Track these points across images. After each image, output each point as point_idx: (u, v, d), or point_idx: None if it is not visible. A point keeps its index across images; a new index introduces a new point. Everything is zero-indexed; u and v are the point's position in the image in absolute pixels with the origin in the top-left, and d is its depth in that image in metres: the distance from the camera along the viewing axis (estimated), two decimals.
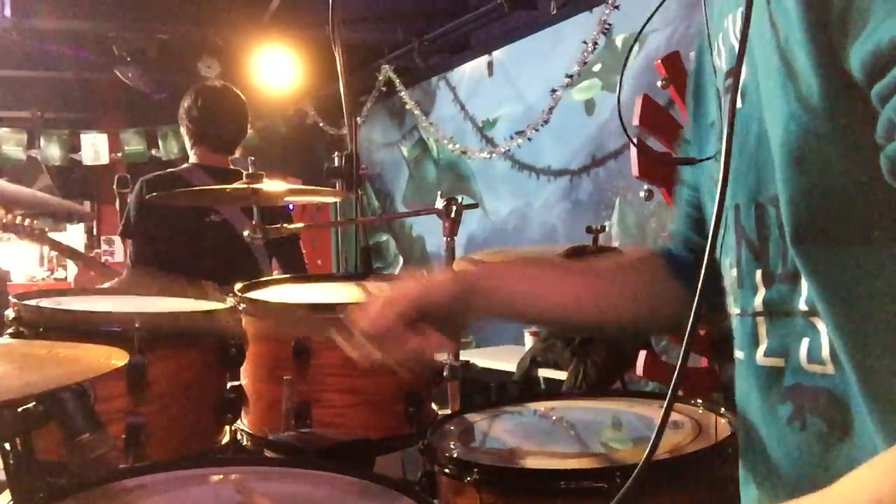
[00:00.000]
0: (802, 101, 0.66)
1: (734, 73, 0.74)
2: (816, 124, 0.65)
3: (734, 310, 0.83)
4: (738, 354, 0.82)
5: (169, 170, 3.02)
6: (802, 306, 0.72)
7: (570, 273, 1.09)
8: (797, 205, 0.68)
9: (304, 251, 3.10)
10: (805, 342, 0.73)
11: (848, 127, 0.63)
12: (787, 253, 0.73)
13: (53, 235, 6.66)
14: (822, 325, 0.70)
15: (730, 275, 0.83)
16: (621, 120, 1.05)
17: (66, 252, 3.70)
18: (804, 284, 0.72)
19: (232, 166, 3.00)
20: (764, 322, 0.77)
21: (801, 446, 0.73)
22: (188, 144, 2.99)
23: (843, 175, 0.65)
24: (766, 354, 0.77)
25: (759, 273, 0.77)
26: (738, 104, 0.76)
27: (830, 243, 0.67)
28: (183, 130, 3.00)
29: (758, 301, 0.78)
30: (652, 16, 0.99)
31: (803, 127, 0.66)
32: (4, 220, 3.42)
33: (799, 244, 0.69)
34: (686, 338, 0.67)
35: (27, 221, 3.48)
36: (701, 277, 0.67)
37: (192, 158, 2.96)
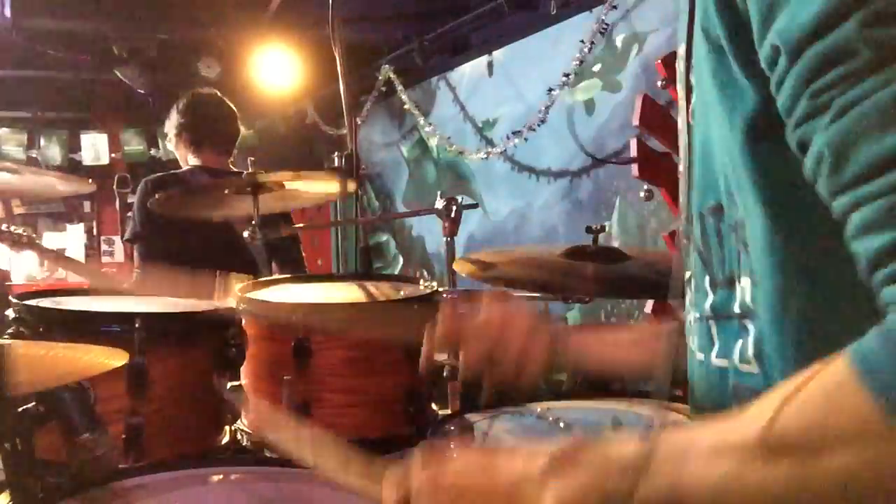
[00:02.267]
0: (741, 100, 0.70)
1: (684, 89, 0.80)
2: (755, 120, 0.69)
3: (694, 313, 0.86)
4: (699, 356, 0.85)
5: (172, 171, 3.03)
6: (736, 309, 0.76)
7: (643, 338, 1.16)
8: (763, 205, 0.71)
9: (304, 254, 3.10)
10: (739, 343, 0.77)
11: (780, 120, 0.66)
12: (724, 260, 0.78)
13: (53, 236, 6.67)
14: (752, 327, 0.74)
15: (690, 280, 0.87)
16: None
17: (56, 259, 3.66)
18: (738, 289, 0.76)
19: (233, 168, 3.01)
20: (714, 325, 0.82)
21: None
22: (186, 153, 3.01)
23: (790, 165, 0.67)
24: (717, 356, 0.81)
25: (707, 279, 0.82)
26: (692, 119, 0.81)
27: (799, 238, 0.70)
28: (179, 142, 3.02)
29: (707, 305, 0.82)
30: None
31: (743, 126, 0.70)
32: None
33: (771, 242, 0.71)
34: None
35: (13, 228, 3.44)
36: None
37: (193, 160, 2.98)
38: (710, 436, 0.60)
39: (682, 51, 0.82)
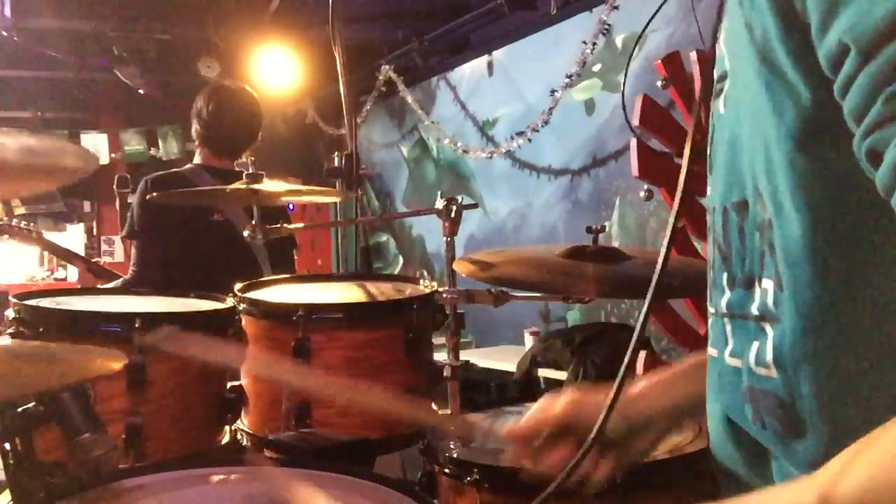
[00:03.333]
0: (791, 98, 0.66)
1: (703, 79, 0.75)
2: (806, 120, 0.66)
3: (710, 308, 0.84)
4: (712, 352, 0.84)
5: (173, 170, 3.01)
6: (754, 311, 0.74)
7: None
8: (805, 204, 0.68)
9: (295, 257, 3.08)
10: (755, 346, 0.74)
11: (836, 122, 0.62)
12: (745, 258, 0.75)
13: (53, 236, 6.69)
14: (770, 330, 0.72)
15: (708, 274, 0.85)
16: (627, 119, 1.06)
17: (62, 254, 3.68)
18: (757, 290, 0.74)
19: (237, 168, 2.98)
20: (728, 323, 0.80)
21: (768, 444, 0.75)
22: (195, 142, 2.98)
23: (841, 170, 0.65)
24: (731, 354, 0.79)
25: (725, 276, 0.80)
26: (721, 110, 0.78)
27: (841, 247, 0.67)
28: (193, 128, 2.97)
29: (723, 302, 0.80)
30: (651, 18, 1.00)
31: (792, 125, 0.67)
32: (0, 222, 3.40)
33: (810, 243, 0.69)
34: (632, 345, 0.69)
35: (23, 223, 3.46)
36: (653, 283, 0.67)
37: (197, 159, 2.96)
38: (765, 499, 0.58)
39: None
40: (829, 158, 0.65)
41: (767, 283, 0.72)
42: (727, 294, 0.79)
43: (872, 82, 0.54)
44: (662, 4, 0.99)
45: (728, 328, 0.80)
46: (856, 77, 0.56)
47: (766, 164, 0.70)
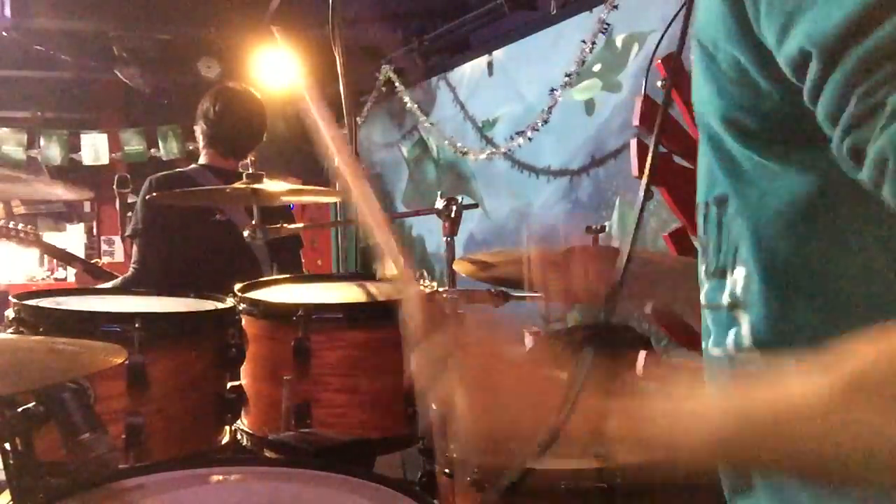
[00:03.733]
0: (722, 92, 0.72)
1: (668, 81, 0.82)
2: (739, 124, 0.71)
3: (702, 301, 0.87)
4: (704, 343, 0.86)
5: (177, 169, 3.02)
6: (725, 299, 0.77)
7: None
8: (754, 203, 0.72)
9: (303, 259, 3.08)
10: (731, 333, 0.77)
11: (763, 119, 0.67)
12: (721, 250, 0.78)
13: (53, 236, 6.70)
14: (745, 317, 0.75)
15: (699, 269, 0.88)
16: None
17: (60, 255, 3.68)
18: (728, 280, 0.77)
19: (241, 169, 2.98)
20: (709, 315, 0.83)
21: None
22: (200, 144, 2.99)
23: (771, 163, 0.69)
24: (712, 345, 0.82)
25: (703, 269, 0.83)
26: (701, 108, 0.81)
27: (776, 237, 0.71)
28: (197, 130, 2.99)
29: (703, 294, 0.83)
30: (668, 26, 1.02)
31: (723, 121, 0.72)
32: None
33: (759, 241, 0.73)
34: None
35: (20, 226, 3.46)
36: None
37: (203, 159, 2.96)
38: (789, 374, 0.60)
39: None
40: (758, 158, 0.69)
41: (739, 272, 0.75)
42: (705, 286, 0.82)
43: (843, 85, 0.56)
44: (679, 12, 1.01)
45: (709, 319, 0.82)
46: (824, 82, 0.58)
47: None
